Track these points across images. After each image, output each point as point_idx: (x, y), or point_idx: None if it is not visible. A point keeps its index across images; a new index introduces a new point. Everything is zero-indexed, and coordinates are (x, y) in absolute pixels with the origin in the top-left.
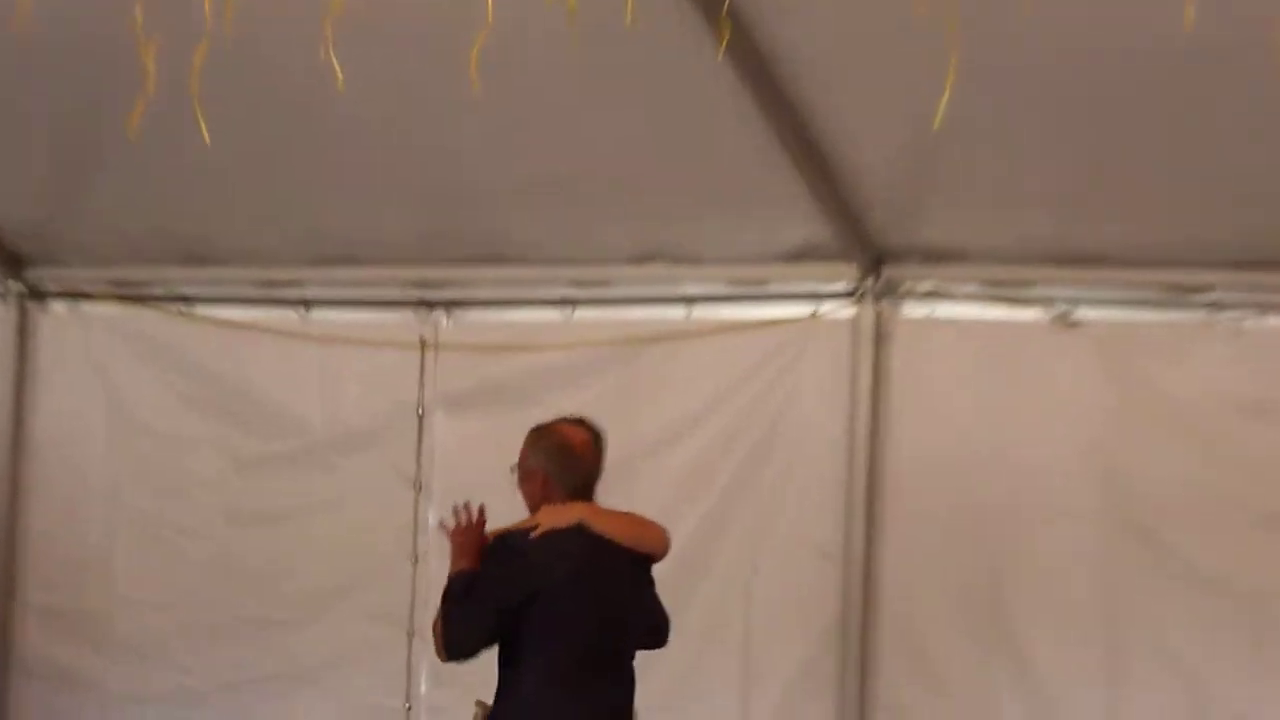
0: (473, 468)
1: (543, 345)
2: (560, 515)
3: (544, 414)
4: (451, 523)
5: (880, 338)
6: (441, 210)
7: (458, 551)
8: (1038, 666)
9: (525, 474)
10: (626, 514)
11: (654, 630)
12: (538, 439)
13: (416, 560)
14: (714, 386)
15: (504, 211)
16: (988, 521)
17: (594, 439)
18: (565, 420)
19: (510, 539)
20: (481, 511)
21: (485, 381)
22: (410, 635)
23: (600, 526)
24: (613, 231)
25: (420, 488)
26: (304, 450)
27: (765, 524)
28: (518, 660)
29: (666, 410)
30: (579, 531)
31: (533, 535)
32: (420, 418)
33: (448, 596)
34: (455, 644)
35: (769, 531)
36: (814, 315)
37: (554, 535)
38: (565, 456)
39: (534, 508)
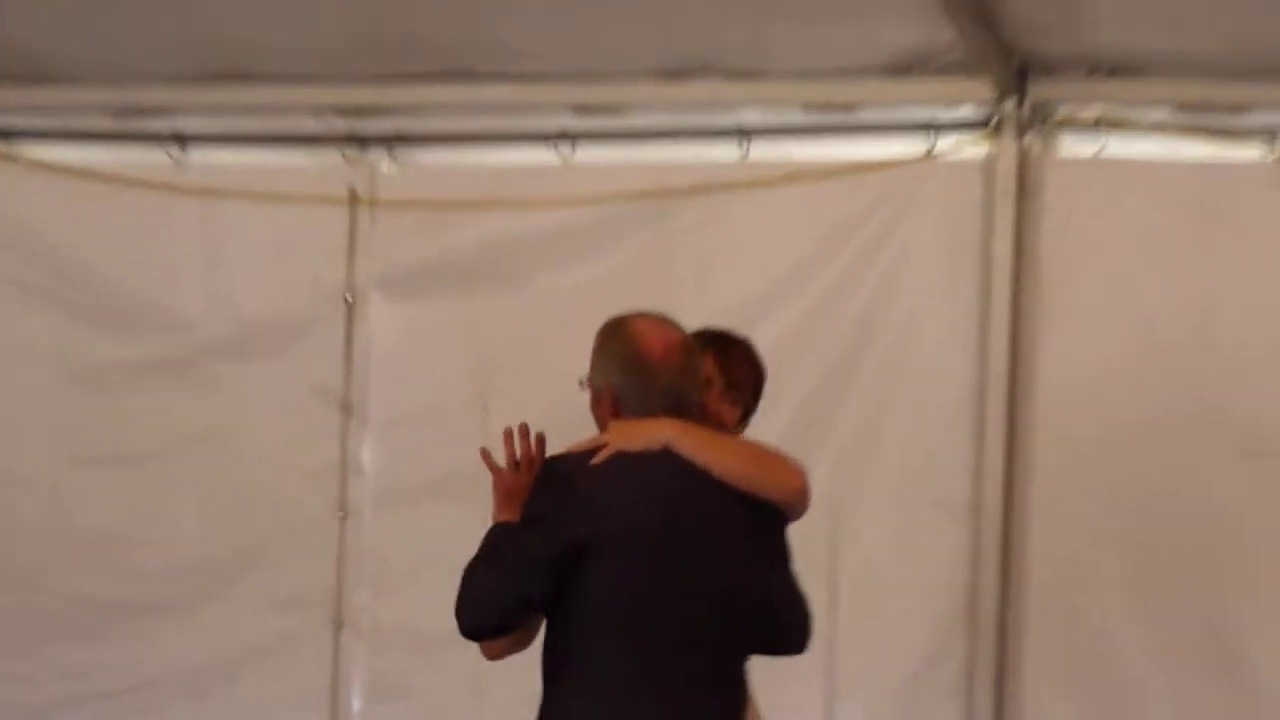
0: (426, 378)
1: (529, 200)
2: (637, 432)
3: (529, 301)
4: (505, 454)
5: (1026, 187)
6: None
7: (504, 496)
8: (1253, 662)
9: (593, 393)
10: (743, 440)
11: (782, 625)
12: (603, 342)
13: (346, 515)
14: (780, 261)
15: (471, 4)
16: (1178, 452)
17: (684, 343)
18: (642, 316)
19: (559, 465)
20: (540, 441)
21: (443, 254)
22: (337, 625)
23: (698, 453)
24: (632, 35)
25: (350, 410)
26: (179, 356)
27: (858, 462)
28: (562, 656)
29: (711, 297)
30: (664, 459)
31: (593, 460)
32: (349, 307)
33: (479, 554)
34: (471, 613)
35: (864, 473)
36: (929, 154)
37: (625, 461)
38: (638, 368)
39: (603, 429)
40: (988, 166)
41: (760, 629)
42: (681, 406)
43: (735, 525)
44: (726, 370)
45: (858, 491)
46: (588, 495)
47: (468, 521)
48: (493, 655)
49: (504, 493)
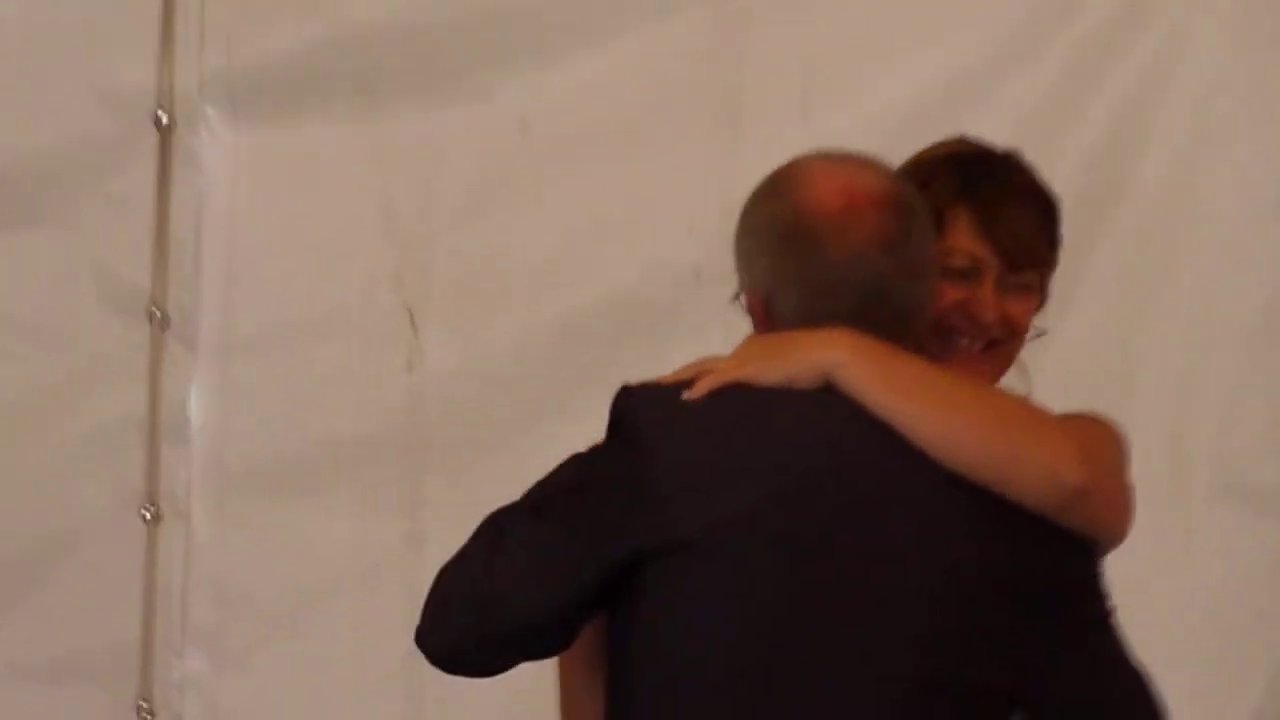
0: (305, 267)
1: None
2: (781, 352)
3: (488, 121)
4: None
5: None
6: None
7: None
8: None
9: (744, 298)
10: (990, 389)
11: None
12: (748, 204)
13: (158, 516)
14: (967, 36)
15: None
16: None
17: (893, 198)
18: (821, 154)
19: (632, 399)
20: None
21: (332, 39)
22: (146, 714)
23: (888, 399)
24: None
25: (166, 323)
26: None
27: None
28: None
29: (840, 100)
30: (821, 406)
31: (686, 394)
32: (163, 134)
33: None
34: (438, 628)
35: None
36: None
37: (745, 404)
38: (796, 241)
39: None
40: None
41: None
42: (881, 314)
43: (962, 543)
44: (993, 230)
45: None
46: (669, 463)
47: (385, 533)
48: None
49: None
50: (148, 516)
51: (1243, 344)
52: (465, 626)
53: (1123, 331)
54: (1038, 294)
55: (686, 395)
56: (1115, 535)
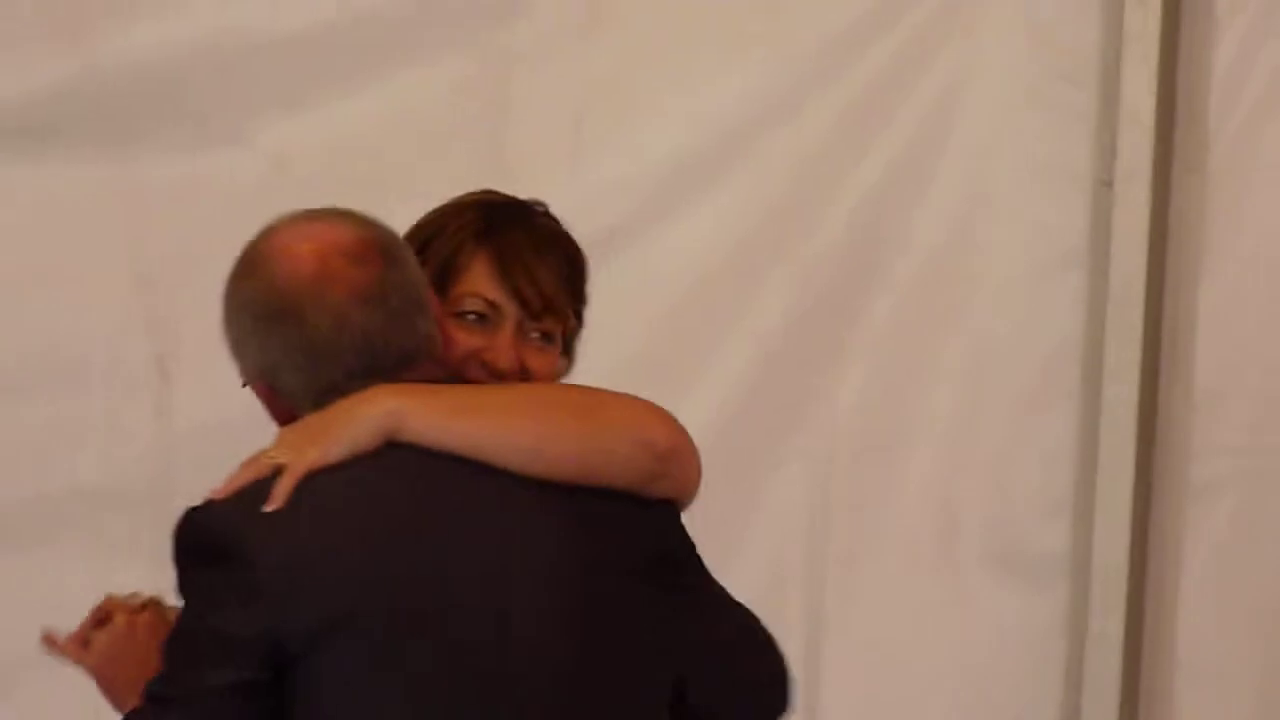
0: (47, 318)
1: None
2: (327, 431)
3: (247, 167)
4: (77, 634)
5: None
6: None
7: (111, 671)
8: None
9: (254, 390)
10: (538, 388)
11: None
12: (228, 286)
13: None
14: (730, 85)
15: None
16: None
17: (363, 244)
18: (293, 219)
19: (208, 525)
20: (151, 605)
21: (96, 70)
22: None
23: (456, 433)
24: None
25: None
26: None
27: (854, 478)
28: None
29: (600, 154)
30: (395, 465)
31: (267, 504)
32: None
33: None
34: None
35: (867, 501)
36: None
37: (322, 491)
38: (280, 314)
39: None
40: None
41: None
42: (384, 363)
43: (571, 557)
44: (513, 276)
45: (856, 524)
46: (271, 571)
47: (124, 586)
48: None
49: (107, 662)
50: None
51: (1019, 404)
52: None
53: (896, 388)
54: (558, 346)
55: (269, 506)
56: (693, 492)
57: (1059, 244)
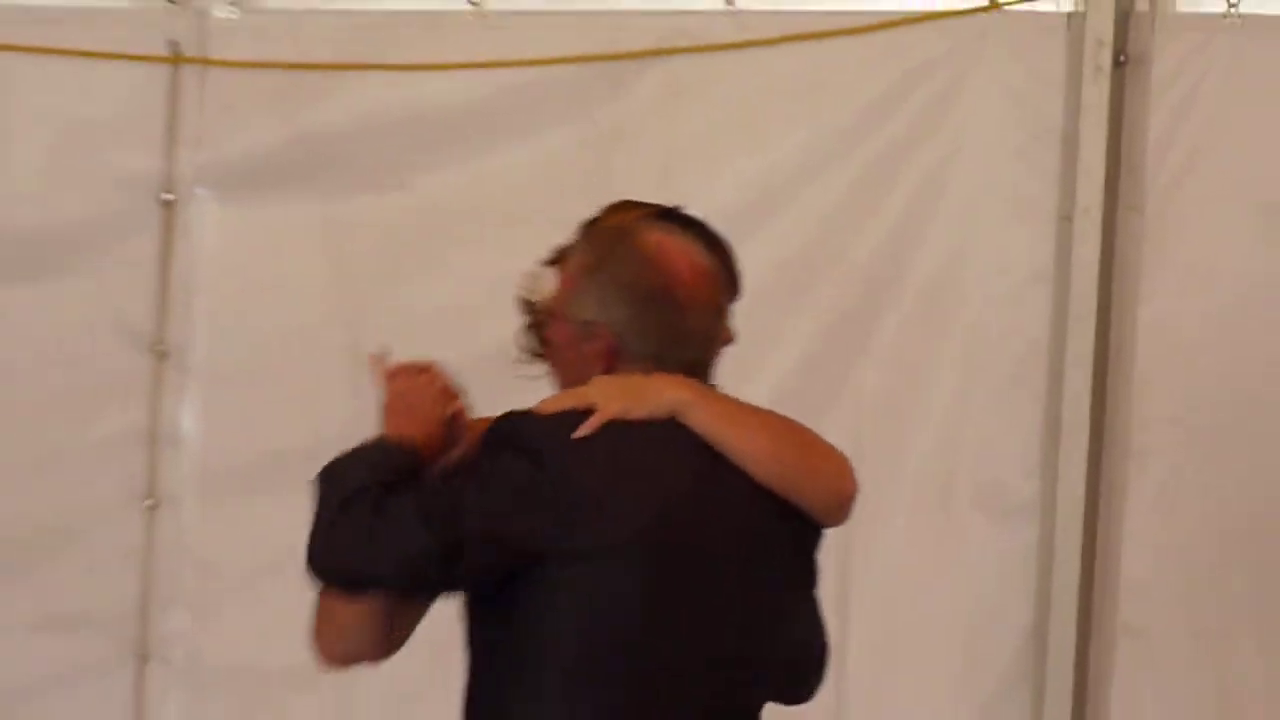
0: (275, 314)
1: (420, 63)
2: (640, 394)
3: (417, 207)
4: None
5: (1127, 53)
6: None
7: (397, 404)
8: None
9: (573, 328)
10: (781, 418)
11: (800, 669)
12: (600, 252)
13: (156, 504)
14: (775, 153)
15: None
16: None
17: (717, 268)
18: (664, 217)
19: (524, 431)
20: (430, 368)
21: (301, 137)
22: (141, 657)
23: (721, 432)
24: None
25: (166, 354)
26: None
27: (877, 444)
28: (499, 716)
29: (675, 193)
30: (675, 437)
31: (578, 430)
32: (166, 210)
33: (354, 491)
34: (327, 552)
35: (885, 460)
36: (993, 4)
37: (620, 437)
38: (661, 301)
39: (572, 383)
40: (1074, 26)
41: (784, 676)
42: (707, 362)
43: (766, 540)
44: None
45: (887, 478)
46: (571, 483)
47: None
48: (330, 657)
49: (397, 396)
50: (150, 504)
51: (1000, 389)
52: (345, 570)
53: (906, 379)
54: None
55: (581, 431)
56: (838, 524)
57: (1030, 266)
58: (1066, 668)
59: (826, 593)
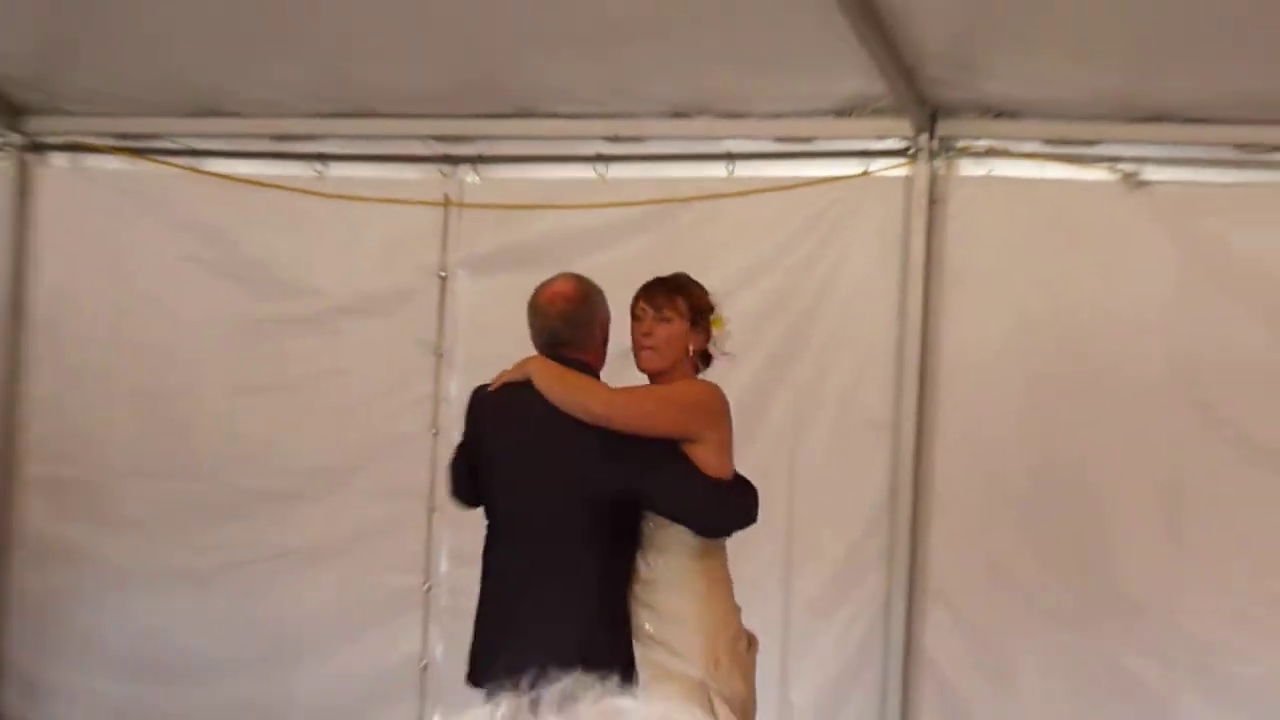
0: (498, 334)
1: (573, 204)
2: (516, 369)
3: (586, 273)
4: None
5: (935, 198)
6: (468, 58)
7: (545, 367)
8: (1100, 540)
9: None
10: (575, 375)
11: (666, 511)
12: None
13: (437, 432)
14: (758, 249)
15: (534, 60)
16: (1047, 396)
17: (569, 294)
18: (560, 275)
19: (478, 390)
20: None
21: (512, 243)
22: (430, 511)
23: (539, 383)
24: (650, 83)
25: (441, 355)
26: (318, 315)
27: (812, 394)
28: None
29: (706, 274)
30: (526, 386)
31: (490, 387)
32: (442, 281)
33: None
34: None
35: (816, 402)
36: (865, 174)
37: (506, 389)
38: (530, 311)
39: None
40: (908, 184)
41: (630, 519)
42: (553, 340)
43: (575, 438)
44: (651, 302)
45: (811, 417)
46: (477, 412)
47: None
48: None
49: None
50: (434, 433)
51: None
52: (451, 486)
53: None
54: (677, 324)
55: (489, 388)
56: (599, 423)
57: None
58: (906, 522)
59: (782, 472)
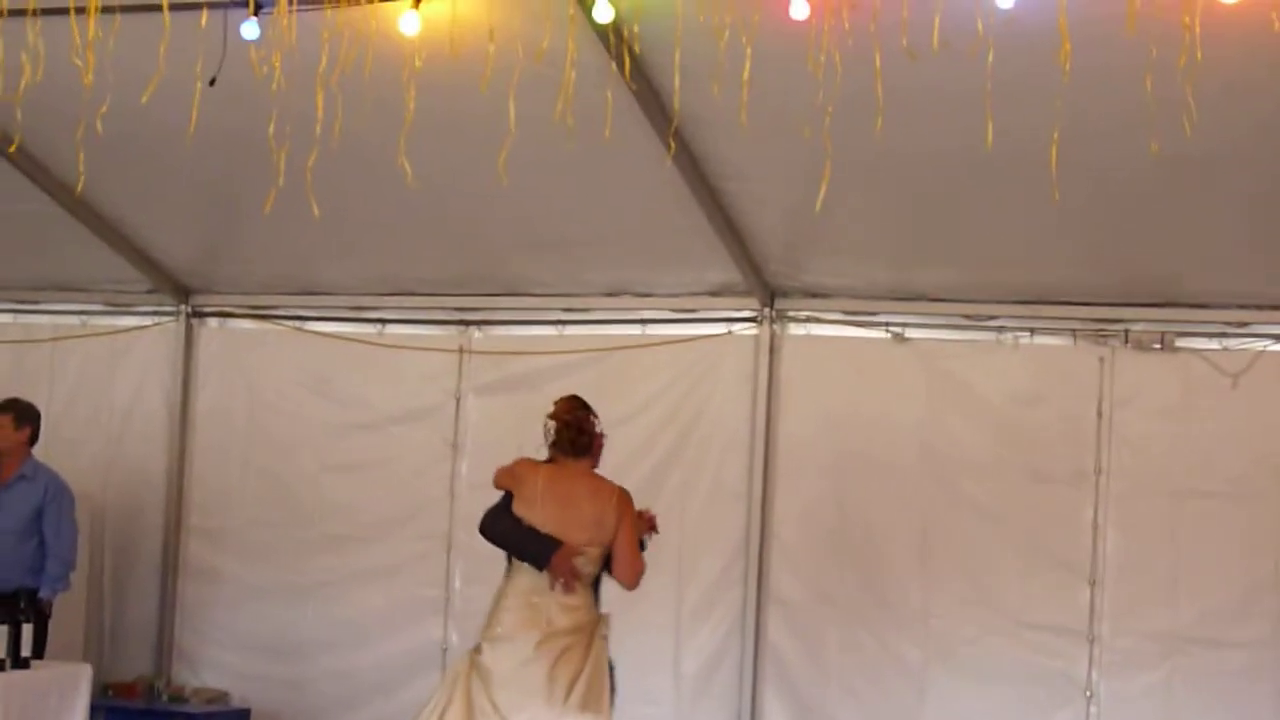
0: (494, 435)
1: (543, 351)
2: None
3: (544, 399)
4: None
5: (774, 349)
6: (476, 258)
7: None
8: (879, 568)
9: None
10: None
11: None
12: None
13: (453, 497)
14: (660, 381)
15: (518, 259)
16: (846, 476)
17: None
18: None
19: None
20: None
21: (504, 376)
22: (448, 549)
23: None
24: (592, 274)
25: (456, 448)
26: (376, 422)
27: (694, 474)
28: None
29: (627, 398)
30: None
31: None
32: (458, 401)
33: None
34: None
35: (697, 479)
36: (729, 333)
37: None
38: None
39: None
40: (757, 340)
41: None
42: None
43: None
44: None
45: (694, 489)
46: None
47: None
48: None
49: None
50: (451, 498)
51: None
52: (485, 529)
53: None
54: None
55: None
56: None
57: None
58: (755, 556)
59: (674, 532)
